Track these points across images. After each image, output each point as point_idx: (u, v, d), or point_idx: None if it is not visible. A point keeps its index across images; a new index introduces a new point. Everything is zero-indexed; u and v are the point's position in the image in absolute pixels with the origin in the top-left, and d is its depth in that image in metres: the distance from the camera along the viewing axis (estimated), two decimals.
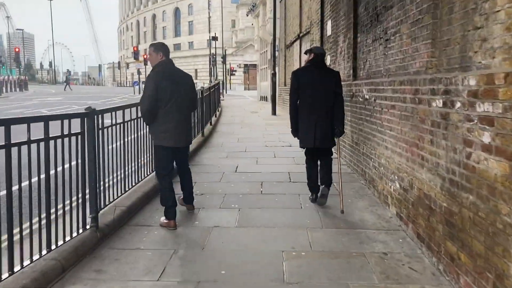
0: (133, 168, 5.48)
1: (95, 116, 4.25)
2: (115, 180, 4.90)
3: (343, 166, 7.49)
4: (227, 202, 5.44)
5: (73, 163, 4.01)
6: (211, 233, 4.39)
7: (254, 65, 49.49)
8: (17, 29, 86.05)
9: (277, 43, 20.08)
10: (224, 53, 45.49)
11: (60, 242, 3.69)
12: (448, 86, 3.37)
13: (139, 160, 5.68)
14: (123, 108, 5.12)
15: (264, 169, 7.30)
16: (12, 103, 25.96)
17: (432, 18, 3.91)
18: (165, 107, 4.52)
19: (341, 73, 8.32)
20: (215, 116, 15.05)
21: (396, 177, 4.75)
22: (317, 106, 5.15)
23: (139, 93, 40.20)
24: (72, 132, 3.84)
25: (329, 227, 4.60)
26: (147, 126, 4.96)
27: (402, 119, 4.52)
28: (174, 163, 5.01)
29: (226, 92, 43.44)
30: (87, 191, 4.20)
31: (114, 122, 4.85)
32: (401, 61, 4.79)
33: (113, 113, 4.82)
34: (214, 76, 44.05)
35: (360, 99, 6.56)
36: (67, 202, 3.86)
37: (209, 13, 56.24)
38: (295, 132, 5.42)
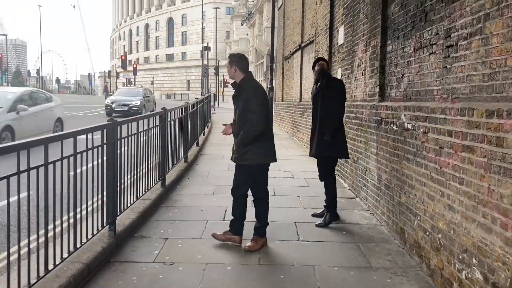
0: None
1: None
2: None
3: (366, 212, 5.72)
4: (208, 284, 3.64)
5: None
6: None
7: None
8: (0, 34, 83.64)
9: (274, 54, 18.45)
10: (217, 64, 43.84)
11: None
12: None
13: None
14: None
15: None
16: None
17: None
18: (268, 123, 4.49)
19: (360, 91, 6.61)
20: (204, 135, 13.27)
21: (474, 261, 3.00)
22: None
23: None
24: None
25: None
26: (244, 145, 4.39)
27: (492, 171, 2.79)
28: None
29: (218, 105, 41.70)
30: None
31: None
32: (484, 79, 3.07)
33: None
34: (206, 88, 42.34)
35: (394, 127, 4.84)
36: None
37: (202, 23, 54.72)
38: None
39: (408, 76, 4.73)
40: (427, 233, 3.84)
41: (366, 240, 4.69)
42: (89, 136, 3.86)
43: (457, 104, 3.37)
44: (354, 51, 7.08)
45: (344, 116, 6.11)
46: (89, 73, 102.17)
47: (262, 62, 24.79)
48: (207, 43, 44.38)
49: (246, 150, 4.37)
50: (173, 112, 7.17)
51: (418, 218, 4.07)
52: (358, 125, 6.54)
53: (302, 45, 12.59)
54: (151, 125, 5.82)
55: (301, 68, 13.00)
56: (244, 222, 4.63)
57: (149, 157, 5.79)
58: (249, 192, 4.66)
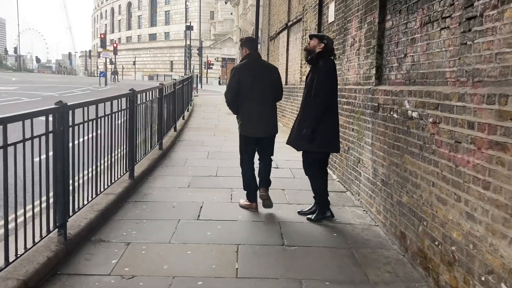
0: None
1: None
2: None
3: (358, 209, 5.12)
4: None
5: None
6: None
7: (233, 59, 46.96)
8: None
9: (259, 34, 17.63)
10: (200, 45, 42.64)
11: None
12: None
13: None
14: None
15: (242, 213, 4.86)
16: None
17: None
18: (248, 99, 4.84)
19: (353, 73, 5.94)
20: (183, 119, 12.51)
21: (504, 286, 2.39)
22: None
23: (106, 84, 37.09)
24: None
25: None
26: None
27: None
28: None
29: (201, 87, 40.74)
30: None
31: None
32: None
33: None
34: (189, 69, 41.23)
35: (395, 115, 4.19)
36: None
37: (186, 2, 53.16)
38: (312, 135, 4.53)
39: (412, 56, 4.07)
40: (436, 243, 3.23)
41: (361, 245, 4.08)
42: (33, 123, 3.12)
43: (481, 90, 2.72)
44: (347, 29, 6.39)
45: (338, 103, 5.42)
46: (69, 53, 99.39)
47: None
48: (189, 22, 43.01)
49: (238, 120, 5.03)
50: (144, 94, 6.41)
51: (424, 224, 3.45)
52: (350, 111, 5.90)
53: (289, 24, 11.83)
54: (115, 109, 5.08)
55: (287, 49, 12.26)
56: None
57: (113, 145, 5.06)
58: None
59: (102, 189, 4.81)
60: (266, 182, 5.00)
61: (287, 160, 7.66)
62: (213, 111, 17.35)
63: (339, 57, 6.95)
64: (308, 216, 4.72)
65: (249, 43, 5.08)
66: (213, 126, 12.36)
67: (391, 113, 4.29)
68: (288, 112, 11.15)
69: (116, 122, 5.17)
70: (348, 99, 6.02)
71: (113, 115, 5.00)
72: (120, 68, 76.88)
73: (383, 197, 4.45)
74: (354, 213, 4.97)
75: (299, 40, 10.52)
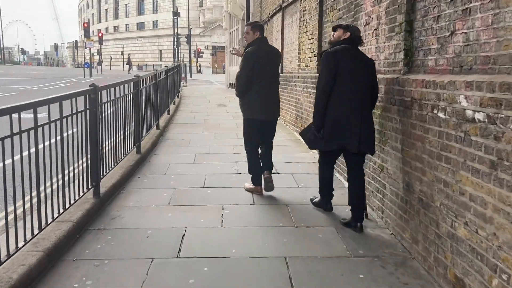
0: None
1: None
2: None
3: (383, 232, 4.01)
4: None
5: None
6: None
7: (223, 47, 45.55)
8: None
9: (250, 18, 16.39)
10: (189, 32, 41.09)
11: None
12: None
13: None
14: None
15: (237, 245, 3.73)
16: None
17: None
18: (259, 83, 4.90)
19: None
20: (168, 113, 11.31)
21: None
22: (358, 98, 3.95)
23: (90, 76, 35.54)
24: None
25: None
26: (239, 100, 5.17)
27: None
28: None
29: (191, 77, 39.38)
30: None
31: None
32: None
33: None
34: (178, 58, 39.76)
35: (441, 115, 3.07)
36: None
37: None
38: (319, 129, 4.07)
39: (466, 33, 2.94)
40: None
41: None
42: None
43: None
44: (359, 4, 5.24)
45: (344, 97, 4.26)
46: (55, 44, 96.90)
47: (236, 29, 22.58)
48: (176, 8, 41.37)
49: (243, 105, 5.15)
50: (112, 89, 5.23)
51: (504, 277, 2.36)
52: None
53: (283, 5, 10.62)
54: (71, 111, 3.91)
55: (282, 33, 11.06)
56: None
57: (70, 157, 3.90)
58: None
59: (55, 215, 3.69)
60: (269, 166, 5.18)
61: (287, 162, 6.54)
62: (202, 102, 16.13)
63: None
64: (311, 198, 4.75)
65: (260, 28, 5.14)
66: (202, 121, 11.17)
67: (435, 111, 3.17)
68: (285, 104, 10.00)
69: (78, 127, 4.04)
70: None
71: (66, 119, 3.83)
72: (108, 59, 75.01)
73: (424, 224, 3.35)
74: (380, 240, 3.87)
75: (296, 23, 9.33)
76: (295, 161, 6.69)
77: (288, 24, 10.47)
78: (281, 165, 6.29)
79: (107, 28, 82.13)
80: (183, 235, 3.87)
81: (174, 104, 13.75)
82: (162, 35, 71.15)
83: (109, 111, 5.19)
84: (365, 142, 3.95)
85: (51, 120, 3.54)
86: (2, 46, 69.89)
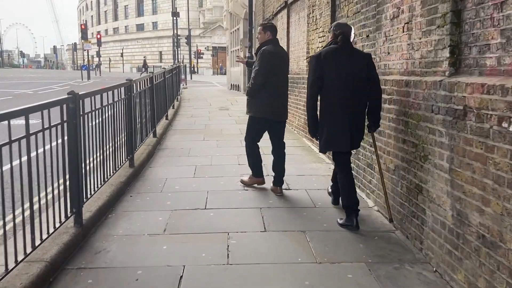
0: None
1: None
2: None
3: (425, 268, 3.27)
4: None
5: None
6: None
7: (224, 48, 44.86)
8: None
9: (252, 17, 15.69)
10: (188, 33, 40.35)
11: None
12: None
13: None
14: None
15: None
16: None
17: None
18: (273, 83, 4.91)
19: (398, 58, 4.10)
20: (167, 118, 10.58)
21: None
22: (348, 97, 3.94)
23: (88, 78, 34.80)
24: None
25: None
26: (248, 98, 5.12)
27: None
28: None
29: (191, 78, 38.68)
30: None
31: None
32: None
33: None
34: (178, 59, 39.04)
35: (510, 129, 2.35)
36: None
37: None
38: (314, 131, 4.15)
39: None
40: None
41: None
42: None
43: None
44: None
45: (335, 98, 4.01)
46: (54, 46, 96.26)
47: (238, 28, 21.81)
48: (176, 9, 40.63)
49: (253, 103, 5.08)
50: (97, 96, 4.50)
51: None
52: (396, 114, 4.06)
53: (289, 1, 9.89)
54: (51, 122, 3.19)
55: (287, 32, 10.33)
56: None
57: (45, 180, 3.18)
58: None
59: (26, 252, 2.99)
60: (280, 178, 5.05)
61: (299, 175, 5.81)
62: (203, 106, 15.38)
63: (367, 37, 5.11)
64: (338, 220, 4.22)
65: (271, 28, 5.11)
66: (203, 126, 10.43)
67: (505, 125, 2.44)
68: (292, 107, 9.27)
69: (55, 142, 3.32)
70: (391, 96, 4.18)
71: (35, 136, 3.10)
72: (107, 61, 74.36)
73: (488, 268, 2.62)
74: (423, 280, 3.13)
75: (304, 20, 8.59)
76: (308, 173, 5.96)
77: (294, 22, 9.74)
78: (292, 179, 5.56)
79: (106, 30, 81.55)
80: (181, 277, 3.15)
81: (173, 108, 13.01)
82: (161, 36, 70.55)
83: (96, 121, 4.50)
84: (357, 142, 4.09)
85: (13, 139, 2.81)
86: (1, 49, 69.15)
